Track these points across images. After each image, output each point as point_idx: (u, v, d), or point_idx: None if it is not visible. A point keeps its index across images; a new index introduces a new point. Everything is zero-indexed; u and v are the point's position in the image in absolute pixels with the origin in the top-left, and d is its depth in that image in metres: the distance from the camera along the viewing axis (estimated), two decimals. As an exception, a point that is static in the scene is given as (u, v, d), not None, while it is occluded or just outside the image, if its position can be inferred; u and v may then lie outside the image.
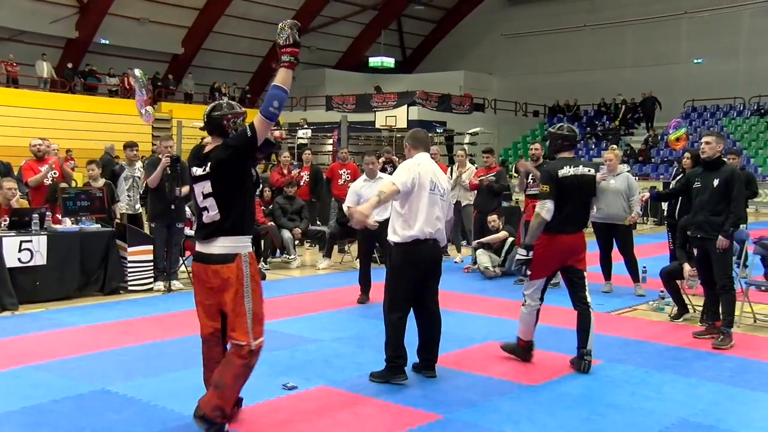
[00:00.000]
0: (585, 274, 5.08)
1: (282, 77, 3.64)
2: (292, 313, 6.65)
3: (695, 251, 6.09)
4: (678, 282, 6.62)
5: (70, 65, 25.10)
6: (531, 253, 5.04)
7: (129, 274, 7.70)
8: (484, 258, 8.82)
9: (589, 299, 5.03)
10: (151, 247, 7.82)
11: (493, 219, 9.04)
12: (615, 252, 7.93)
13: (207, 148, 3.83)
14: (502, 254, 8.89)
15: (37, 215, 7.16)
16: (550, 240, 4.99)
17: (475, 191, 9.73)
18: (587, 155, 26.87)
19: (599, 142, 27.66)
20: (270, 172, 12.34)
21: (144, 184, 8.13)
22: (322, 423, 4.01)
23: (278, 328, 5.77)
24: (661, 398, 4.49)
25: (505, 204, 10.41)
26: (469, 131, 21.95)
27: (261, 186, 10.29)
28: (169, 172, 7.64)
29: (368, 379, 4.70)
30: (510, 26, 32.64)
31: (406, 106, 24.41)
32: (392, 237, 4.68)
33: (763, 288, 7.26)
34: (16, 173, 10.05)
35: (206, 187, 3.74)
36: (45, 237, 7.07)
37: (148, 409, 4.18)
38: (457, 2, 34.08)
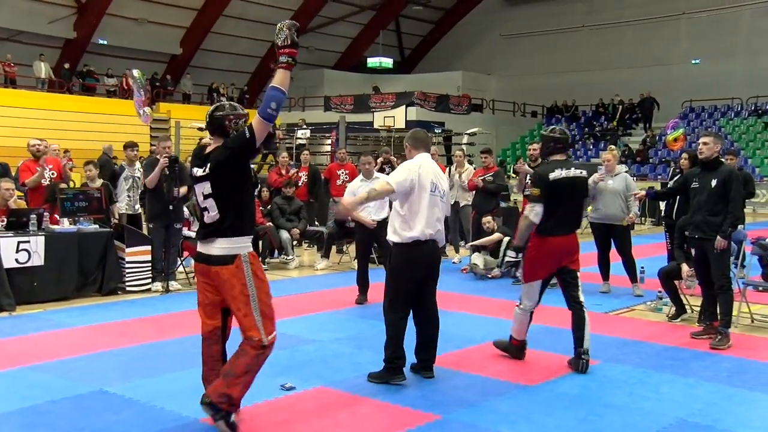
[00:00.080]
0: (578, 274, 5.10)
1: (280, 78, 3.67)
2: (290, 314, 6.64)
3: (693, 251, 6.10)
4: (676, 282, 6.63)
5: (66, 65, 25.06)
6: (520, 255, 5.06)
7: (127, 275, 7.70)
8: (478, 260, 8.83)
9: (581, 299, 5.06)
10: (149, 247, 7.82)
11: (487, 220, 9.04)
12: (613, 252, 7.94)
13: (208, 149, 3.87)
14: (500, 255, 8.90)
15: (34, 216, 7.15)
16: (543, 242, 5.03)
17: (474, 191, 9.73)
18: (585, 156, 26.91)
19: (597, 143, 27.70)
20: (268, 172, 12.34)
21: (143, 185, 8.13)
22: (320, 423, 4.01)
23: (276, 329, 5.75)
24: (658, 398, 4.50)
25: (503, 204, 10.42)
26: (468, 132, 21.97)
27: (259, 186, 10.29)
28: (168, 172, 7.63)
29: (366, 379, 4.71)
30: (508, 27, 32.66)
31: (404, 106, 24.43)
32: (392, 237, 4.69)
33: (760, 288, 7.26)
34: (13, 174, 10.04)
35: (206, 187, 3.77)
36: (43, 237, 7.07)
37: (147, 409, 4.18)
38: (455, 3, 34.11)
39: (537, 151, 8.40)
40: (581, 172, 5.18)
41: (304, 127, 22.59)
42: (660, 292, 6.97)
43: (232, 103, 4.02)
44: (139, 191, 8.55)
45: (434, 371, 4.82)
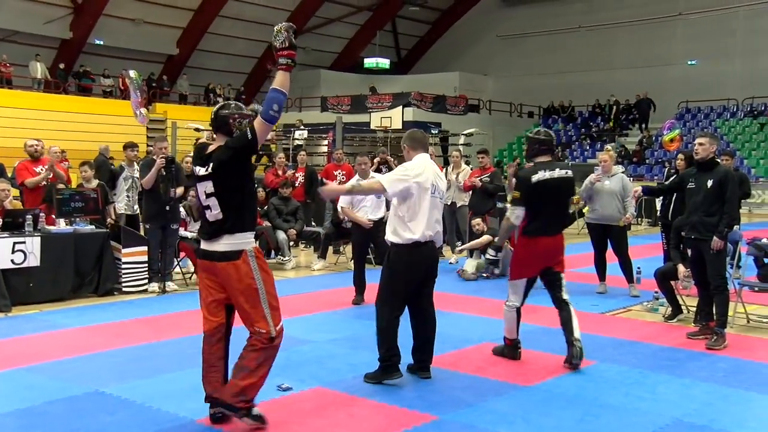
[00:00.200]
0: (563, 276, 5.19)
1: (280, 80, 3.73)
2: (286, 314, 6.56)
3: (689, 252, 6.11)
4: (672, 283, 6.64)
5: (62, 66, 24.99)
6: (500, 254, 5.15)
7: (123, 276, 7.68)
8: (469, 266, 8.83)
9: (566, 297, 5.16)
10: (145, 248, 7.80)
11: (476, 222, 9.04)
12: (609, 253, 7.95)
13: (210, 148, 3.92)
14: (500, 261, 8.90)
15: (30, 216, 7.13)
16: (529, 242, 5.13)
17: (470, 192, 9.74)
18: (582, 156, 26.96)
19: (594, 143, 27.75)
20: (265, 173, 12.33)
21: (141, 185, 8.12)
22: (317, 424, 4.01)
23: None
24: (655, 399, 4.50)
25: (500, 205, 10.43)
26: (464, 132, 21.97)
27: (255, 186, 10.27)
28: (164, 173, 7.62)
29: (363, 380, 4.70)
30: (505, 27, 32.69)
31: (401, 107, 24.42)
32: (391, 238, 4.69)
33: (756, 289, 7.29)
34: (10, 174, 10.01)
35: (208, 186, 3.84)
36: (39, 238, 7.05)
37: (142, 410, 4.17)
38: (452, 3, 34.13)
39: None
40: (566, 172, 5.25)
41: (301, 127, 22.57)
42: (656, 292, 6.98)
43: (237, 103, 4.09)
44: (138, 191, 8.54)
45: (431, 372, 4.82)
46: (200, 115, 22.28)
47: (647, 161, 25.32)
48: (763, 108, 26.01)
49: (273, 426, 3.96)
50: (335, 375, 4.85)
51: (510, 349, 5.28)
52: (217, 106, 4.00)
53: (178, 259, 8.35)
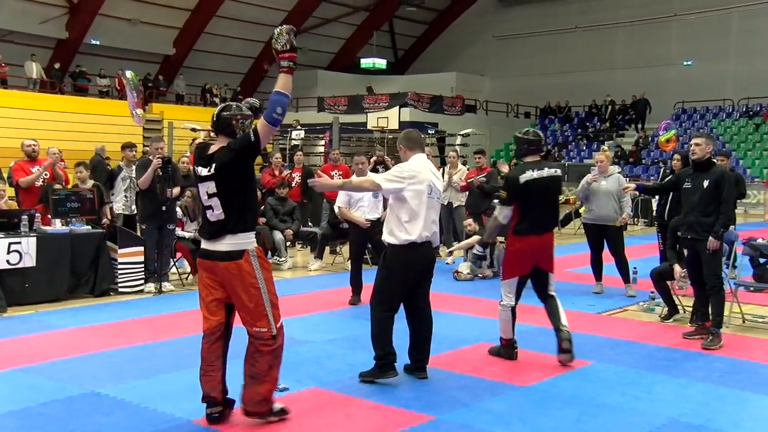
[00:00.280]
0: (551, 275, 5.27)
1: (283, 82, 3.78)
2: (283, 315, 6.54)
3: (685, 252, 6.12)
4: (668, 283, 6.65)
5: (57, 66, 24.93)
6: (487, 251, 5.20)
7: (119, 276, 7.67)
8: (464, 267, 8.83)
9: (552, 293, 5.25)
10: (141, 248, 7.79)
11: (468, 223, 9.05)
12: (606, 253, 7.96)
13: (212, 149, 3.95)
14: (487, 257, 8.91)
15: (26, 217, 7.11)
16: (519, 241, 5.20)
17: (467, 192, 9.74)
18: (578, 157, 27.01)
19: (590, 144, 27.79)
20: (261, 173, 12.33)
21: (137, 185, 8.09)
22: (314, 424, 4.00)
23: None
24: (651, 398, 4.51)
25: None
26: (461, 132, 22.01)
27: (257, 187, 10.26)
28: (160, 173, 7.61)
29: (358, 379, 4.71)
30: (502, 28, 32.73)
31: (398, 107, 24.44)
32: (388, 238, 4.69)
33: (751, 289, 7.32)
34: (6, 174, 9.98)
35: (210, 187, 3.88)
36: (34, 239, 7.03)
37: (139, 411, 4.16)
38: (449, 4, 34.14)
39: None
40: (555, 171, 5.32)
41: (298, 127, 22.56)
42: (652, 292, 7.00)
43: (238, 104, 4.11)
44: (136, 192, 8.52)
45: (428, 372, 4.82)
46: (197, 115, 22.26)
47: (643, 161, 25.37)
48: (758, 108, 26.10)
49: (270, 426, 3.96)
50: (332, 375, 4.85)
51: (506, 349, 5.30)
52: (219, 108, 4.02)
53: (175, 260, 8.34)
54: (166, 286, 7.87)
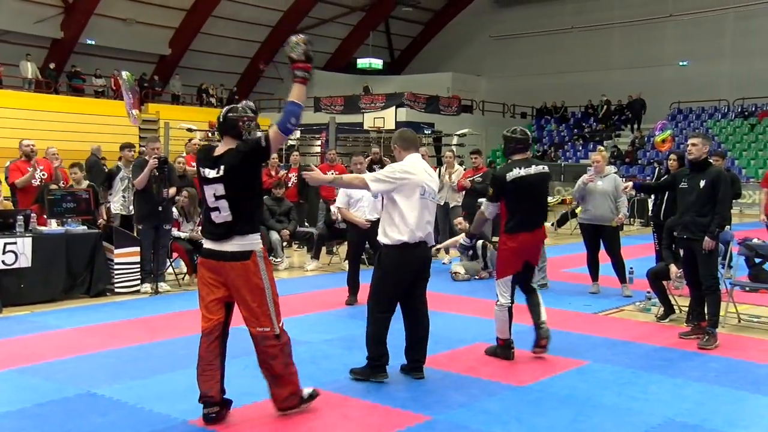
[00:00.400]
0: (535, 268, 5.49)
1: (297, 92, 3.84)
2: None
3: (681, 252, 6.14)
4: (664, 283, 6.67)
5: (52, 65, 24.86)
6: (473, 241, 5.27)
7: (116, 276, 7.65)
8: (459, 267, 8.84)
9: (534, 286, 5.42)
10: (138, 248, 7.78)
11: (458, 221, 9.06)
12: (602, 253, 7.97)
13: (218, 151, 3.96)
14: (479, 257, 8.92)
15: (21, 217, 7.09)
16: (510, 239, 5.25)
17: (463, 192, 9.75)
18: (574, 157, 27.05)
19: (586, 144, 27.84)
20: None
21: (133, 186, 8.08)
22: (310, 424, 4.00)
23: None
24: (647, 398, 4.52)
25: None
26: (457, 133, 22.01)
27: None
28: (157, 173, 7.59)
29: (348, 374, 4.72)
30: (498, 28, 32.77)
31: (394, 107, 24.44)
32: (382, 239, 4.69)
33: (747, 288, 7.34)
34: (3, 175, 9.95)
35: (219, 189, 3.90)
36: (30, 239, 7.01)
37: (135, 411, 4.16)
38: (445, 4, 34.18)
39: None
40: (543, 168, 5.37)
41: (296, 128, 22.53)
42: (649, 292, 7.01)
43: (243, 105, 4.13)
44: (134, 192, 8.50)
45: (424, 372, 4.82)
46: (193, 116, 22.23)
47: (639, 162, 25.42)
48: (753, 109, 26.18)
49: (267, 427, 3.96)
50: (328, 375, 4.84)
51: (503, 350, 5.31)
52: (225, 110, 4.05)
53: (171, 260, 8.32)
54: (163, 286, 7.85)
